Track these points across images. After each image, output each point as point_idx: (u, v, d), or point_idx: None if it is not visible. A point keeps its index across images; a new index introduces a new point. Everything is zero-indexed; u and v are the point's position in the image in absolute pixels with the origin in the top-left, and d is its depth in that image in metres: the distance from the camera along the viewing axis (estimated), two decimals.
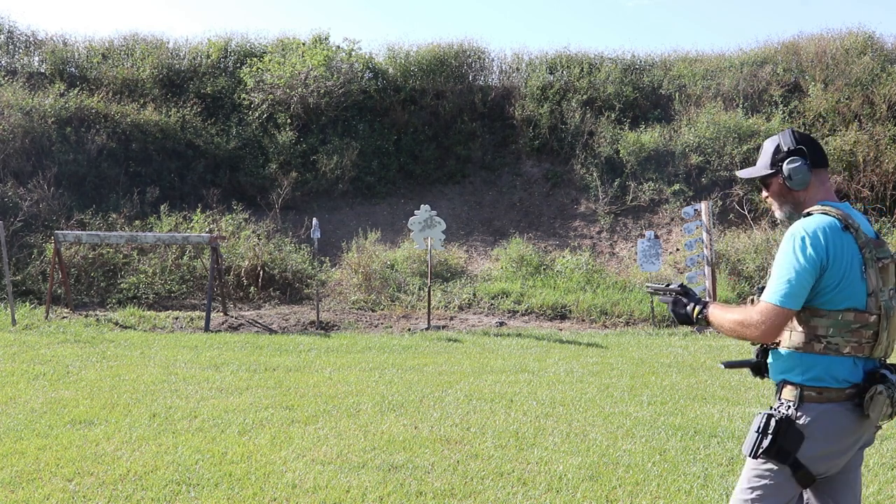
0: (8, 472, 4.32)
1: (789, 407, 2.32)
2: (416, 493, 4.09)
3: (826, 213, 2.36)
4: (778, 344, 2.39)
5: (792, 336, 2.35)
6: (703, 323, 2.50)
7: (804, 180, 2.44)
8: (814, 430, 2.29)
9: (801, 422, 2.29)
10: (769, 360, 2.51)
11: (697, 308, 2.52)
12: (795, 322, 2.33)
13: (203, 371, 7.17)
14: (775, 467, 2.32)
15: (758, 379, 2.75)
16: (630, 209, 14.29)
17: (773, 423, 2.29)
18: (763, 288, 2.43)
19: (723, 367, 2.68)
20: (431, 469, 4.47)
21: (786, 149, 2.46)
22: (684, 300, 2.57)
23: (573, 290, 11.63)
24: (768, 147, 2.52)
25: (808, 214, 2.39)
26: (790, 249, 2.29)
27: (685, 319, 2.56)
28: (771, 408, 2.39)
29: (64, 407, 5.74)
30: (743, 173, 2.60)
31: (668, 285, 2.70)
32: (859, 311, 2.27)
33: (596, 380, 6.98)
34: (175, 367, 7.30)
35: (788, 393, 2.36)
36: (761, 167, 2.53)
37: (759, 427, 2.31)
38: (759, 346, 2.60)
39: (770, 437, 2.28)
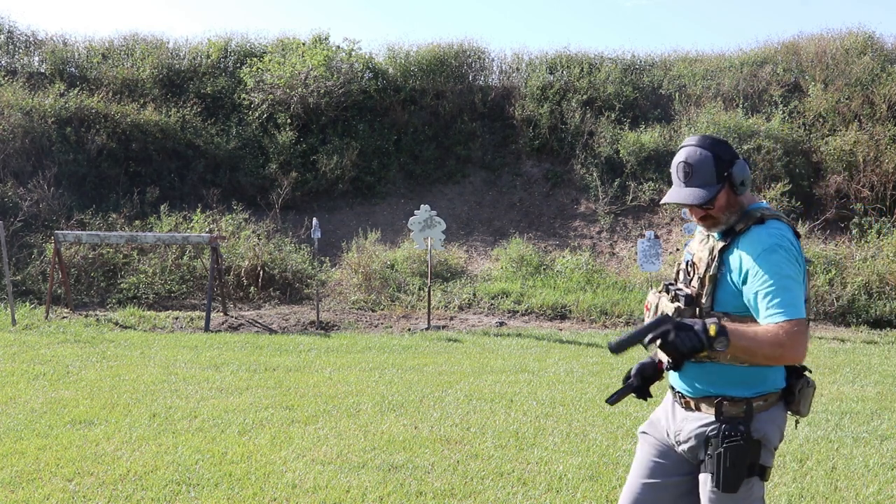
0: (8, 472, 4.33)
1: (739, 423, 2.23)
2: (416, 493, 4.09)
3: (780, 220, 2.26)
4: (703, 356, 2.16)
5: None
6: (721, 345, 2.00)
7: (749, 182, 2.31)
8: (768, 435, 2.29)
9: (756, 435, 2.25)
10: (687, 371, 2.30)
11: (713, 326, 2.01)
12: None
13: (203, 371, 7.17)
14: (748, 483, 2.26)
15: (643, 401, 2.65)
16: (630, 209, 14.29)
17: (737, 452, 2.21)
18: (677, 291, 2.33)
19: (610, 403, 2.52)
20: (431, 469, 4.47)
21: (727, 157, 2.24)
22: (687, 323, 2.04)
23: (573, 290, 11.63)
24: (703, 160, 2.23)
25: (761, 220, 2.24)
26: (782, 260, 2.14)
27: (696, 347, 1.99)
28: (725, 435, 2.22)
29: (64, 407, 5.74)
30: (690, 199, 2.23)
31: (646, 329, 2.06)
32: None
33: (596, 380, 6.98)
34: (175, 367, 7.30)
35: (733, 408, 2.25)
36: (708, 184, 2.23)
37: (729, 462, 2.20)
38: (647, 362, 2.54)
39: (741, 465, 2.22)
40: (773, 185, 13.32)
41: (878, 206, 13.02)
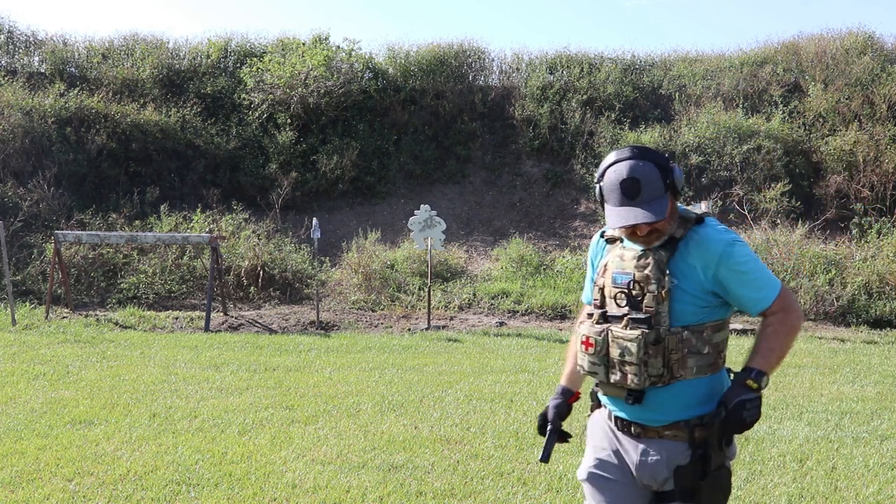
0: (8, 472, 4.33)
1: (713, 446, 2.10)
2: (416, 493, 4.09)
3: (712, 216, 2.21)
4: (671, 378, 2.08)
5: (699, 360, 2.10)
6: (766, 383, 2.08)
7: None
8: (734, 448, 2.20)
9: (728, 454, 2.15)
10: (651, 399, 2.13)
11: (749, 381, 2.05)
12: (699, 343, 2.09)
13: (203, 371, 7.17)
14: None
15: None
16: None
17: (723, 476, 2.10)
18: (631, 317, 2.10)
19: (545, 462, 2.33)
20: (431, 469, 4.47)
21: (665, 164, 2.11)
22: (729, 401, 2.03)
23: (573, 290, 11.62)
24: (650, 173, 2.07)
25: (700, 220, 2.16)
26: (744, 250, 2.12)
27: (759, 404, 2.05)
28: (706, 461, 2.08)
29: (64, 407, 5.74)
30: (652, 217, 2.05)
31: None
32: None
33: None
34: (175, 367, 7.30)
35: (705, 431, 2.09)
36: (658, 196, 2.07)
37: (715, 490, 2.08)
38: (560, 402, 2.37)
39: (728, 487, 2.13)
40: (773, 185, 13.32)
41: (878, 206, 13.02)
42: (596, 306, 2.22)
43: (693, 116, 14.91)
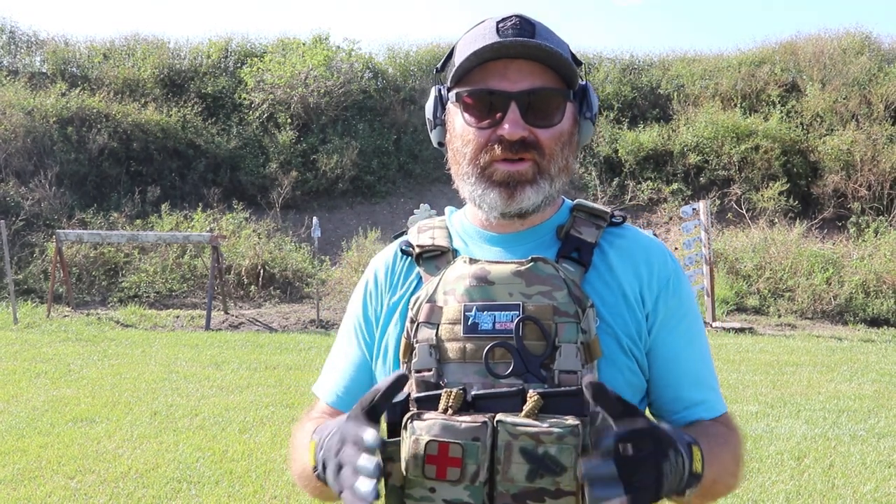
0: (10, 469, 4.36)
1: None
2: None
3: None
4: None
5: None
6: (693, 488, 0.93)
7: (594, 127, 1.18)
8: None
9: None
10: None
11: (696, 449, 0.94)
12: None
13: (204, 369, 7.21)
14: None
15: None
16: (629, 208, 14.32)
17: None
18: (544, 391, 0.96)
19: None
20: None
21: (577, 61, 1.14)
22: (666, 436, 0.89)
23: None
24: (555, 36, 1.12)
25: (616, 222, 1.14)
26: (694, 301, 1.16)
27: (674, 488, 0.90)
28: None
29: (65, 405, 5.78)
30: (535, 46, 1.05)
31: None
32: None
33: None
34: (176, 366, 7.34)
35: None
36: (566, 67, 1.07)
37: None
38: None
39: None
40: (770, 184, 13.36)
41: (876, 206, 13.06)
42: (426, 383, 1.06)
43: (691, 116, 14.94)
